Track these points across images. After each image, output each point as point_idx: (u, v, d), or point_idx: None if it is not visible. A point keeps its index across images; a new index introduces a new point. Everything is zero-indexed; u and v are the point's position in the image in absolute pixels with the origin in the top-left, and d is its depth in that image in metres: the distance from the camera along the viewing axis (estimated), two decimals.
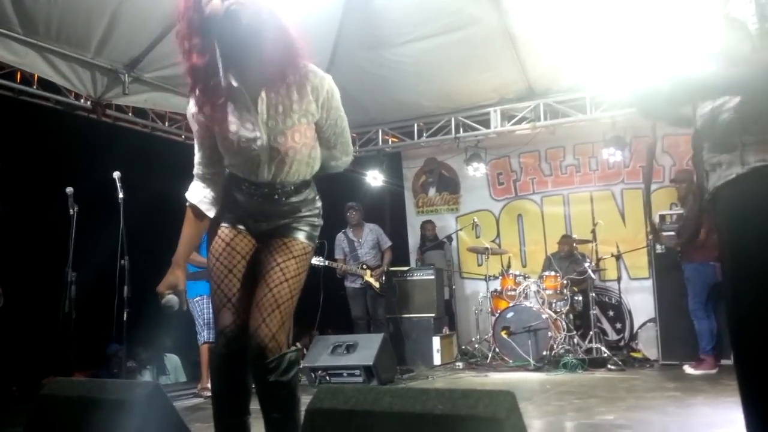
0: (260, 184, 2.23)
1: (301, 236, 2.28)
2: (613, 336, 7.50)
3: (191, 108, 2.21)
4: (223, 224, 2.29)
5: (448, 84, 7.05)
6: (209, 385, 5.34)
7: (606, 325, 7.52)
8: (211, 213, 2.30)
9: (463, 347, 7.64)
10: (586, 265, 6.87)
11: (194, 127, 2.26)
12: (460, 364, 6.95)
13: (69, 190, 4.82)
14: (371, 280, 7.02)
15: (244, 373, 2.21)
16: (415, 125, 7.92)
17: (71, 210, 4.81)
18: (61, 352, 4.94)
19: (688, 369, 5.77)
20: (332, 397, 1.79)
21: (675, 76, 1.60)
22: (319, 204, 2.37)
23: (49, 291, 5.26)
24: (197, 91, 2.14)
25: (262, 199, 2.25)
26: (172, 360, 7.03)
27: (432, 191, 9.04)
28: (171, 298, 2.22)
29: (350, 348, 5.66)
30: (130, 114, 6.40)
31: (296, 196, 2.27)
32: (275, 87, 2.11)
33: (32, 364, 6.10)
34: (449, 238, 8.46)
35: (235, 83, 2.09)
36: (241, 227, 2.30)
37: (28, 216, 5.86)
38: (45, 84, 5.54)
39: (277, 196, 2.25)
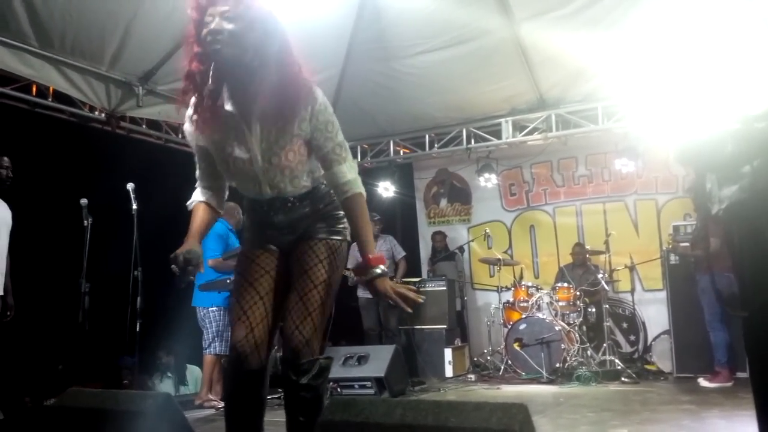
0: (268, 199, 2.24)
1: (325, 234, 2.27)
2: (626, 348, 7.43)
3: (187, 127, 2.23)
4: (250, 247, 2.32)
5: (459, 95, 7.07)
6: (211, 397, 5.37)
7: (620, 337, 7.45)
8: (217, 207, 2.35)
9: (475, 359, 7.60)
10: (600, 276, 6.82)
11: (192, 143, 2.29)
12: (472, 377, 6.91)
13: (83, 201, 4.86)
14: None
15: (257, 388, 2.20)
16: (427, 136, 7.93)
17: (85, 221, 4.85)
18: (74, 364, 4.96)
19: (702, 382, 5.70)
20: (344, 410, 1.78)
21: (738, 138, 1.61)
22: (334, 195, 2.29)
23: (63, 302, 5.29)
24: (192, 106, 2.16)
25: (277, 210, 2.26)
26: (194, 371, 7.05)
27: (443, 202, 9.03)
28: (192, 251, 2.11)
29: (362, 359, 5.65)
30: (143, 126, 6.45)
31: (308, 197, 2.27)
32: (269, 114, 2.12)
33: (46, 375, 6.13)
34: (461, 249, 8.44)
35: (228, 107, 2.11)
36: (270, 246, 2.30)
37: (42, 227, 5.91)
38: (60, 96, 5.61)
39: (290, 204, 2.25)
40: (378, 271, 2.14)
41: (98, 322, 4.99)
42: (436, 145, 7.95)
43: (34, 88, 5.50)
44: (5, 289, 4.52)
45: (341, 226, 2.31)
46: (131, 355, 5.35)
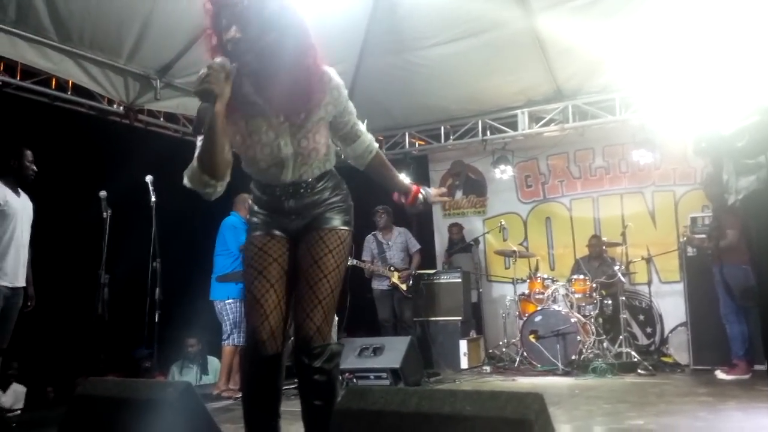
0: (283, 185, 2.27)
1: (335, 223, 2.31)
2: (643, 340, 7.39)
3: None
4: (257, 233, 2.33)
5: (474, 86, 7.04)
6: (231, 386, 5.44)
7: (636, 330, 7.41)
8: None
9: (491, 351, 7.60)
10: (616, 268, 6.79)
11: None
12: (487, 368, 6.91)
13: (102, 193, 4.92)
14: (399, 283, 7.04)
15: (274, 374, 2.24)
16: (442, 128, 7.92)
17: (104, 213, 4.91)
18: (93, 354, 5.03)
19: (720, 374, 5.66)
20: (360, 398, 1.81)
21: (755, 129, 1.62)
22: (344, 186, 2.41)
23: (82, 293, 5.36)
24: None
25: (289, 196, 2.29)
26: (213, 362, 7.14)
27: (459, 194, 9.02)
28: (207, 107, 1.99)
29: (377, 350, 5.68)
30: (161, 119, 6.51)
31: (321, 184, 2.31)
32: (294, 100, 2.15)
33: (66, 366, 6.23)
34: (476, 241, 8.43)
35: (252, 95, 2.14)
36: (276, 232, 2.32)
37: (62, 219, 5.98)
38: (79, 90, 5.68)
39: (302, 190, 2.29)
40: (422, 196, 2.55)
41: (117, 313, 5.05)
42: (451, 137, 7.94)
43: (54, 82, 5.58)
44: (27, 280, 4.59)
45: (348, 216, 2.37)
46: (148, 347, 5.43)
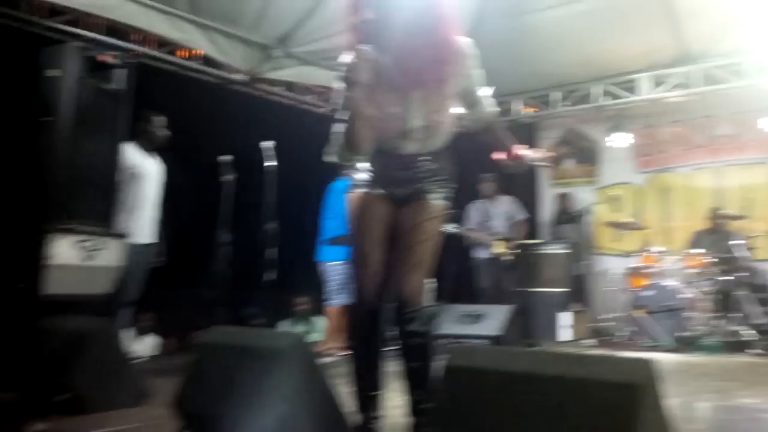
0: (402, 155, 2.36)
1: (437, 196, 2.41)
2: (761, 319, 6.95)
3: (340, 85, 2.34)
4: (366, 194, 2.45)
5: (591, 49, 6.76)
6: (333, 345, 5.66)
7: (753, 308, 6.98)
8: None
9: (595, 324, 7.44)
10: (737, 242, 6.40)
11: (341, 100, 2.39)
12: (591, 341, 6.79)
13: (224, 158, 5.23)
14: (502, 252, 7.00)
15: (375, 328, 2.38)
16: (554, 94, 7.69)
17: (226, 177, 5.22)
18: (211, 309, 5.39)
19: None
20: (468, 357, 1.87)
21: None
22: (452, 168, 2.49)
23: (204, 252, 5.73)
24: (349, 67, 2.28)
25: (400, 167, 2.39)
26: (320, 322, 7.47)
27: (568, 162, 8.77)
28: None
29: (478, 318, 5.72)
30: (280, 88, 6.77)
31: (432, 163, 2.39)
32: (428, 75, 2.25)
33: (188, 318, 6.72)
34: (585, 211, 8.20)
35: (385, 66, 2.24)
36: (383, 195, 2.44)
37: (189, 181, 6.40)
38: (204, 59, 6.02)
39: (414, 164, 2.37)
40: (522, 154, 2.61)
41: (234, 272, 5.38)
42: (563, 103, 7.70)
43: (182, 52, 5.94)
44: (158, 237, 5.01)
45: (449, 189, 2.47)
46: (258, 305, 5.74)
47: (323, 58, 6.11)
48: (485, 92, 2.51)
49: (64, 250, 4.07)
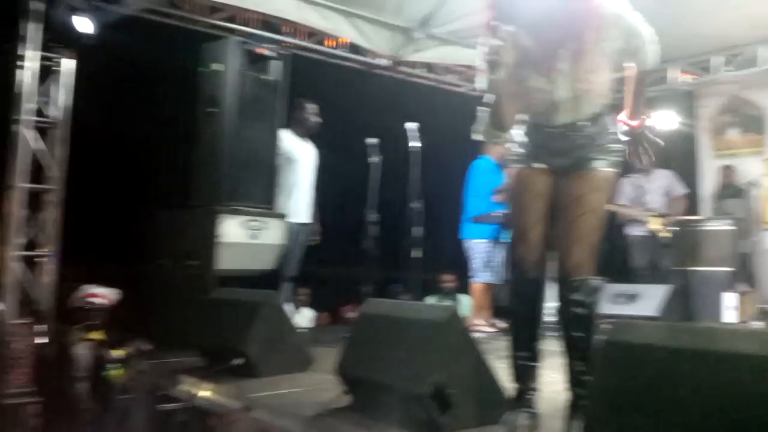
0: (555, 126, 2.34)
1: (600, 165, 2.35)
2: None
3: (482, 64, 2.38)
4: (520, 165, 2.46)
5: (758, 7, 6.15)
6: (477, 322, 5.69)
7: None
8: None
9: (763, 306, 6.84)
10: None
11: (483, 80, 2.43)
12: (759, 323, 6.27)
13: (371, 140, 5.42)
14: (658, 228, 6.63)
15: (535, 300, 2.41)
16: (716, 59, 7.09)
17: (373, 159, 5.40)
18: (358, 286, 5.62)
19: None
20: (630, 332, 1.84)
21: None
22: (616, 130, 2.42)
23: (353, 231, 5.98)
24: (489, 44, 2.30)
25: (558, 136, 2.36)
26: (465, 299, 7.57)
27: (732, 132, 8.07)
28: None
29: (633, 297, 5.50)
30: (421, 69, 6.87)
31: (592, 128, 2.34)
32: (567, 45, 2.21)
33: (339, 294, 7.07)
34: (752, 184, 7.52)
35: (527, 39, 2.24)
36: (539, 165, 2.43)
37: (337, 166, 6.70)
38: (351, 47, 6.24)
39: (572, 132, 2.34)
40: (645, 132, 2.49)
41: (381, 249, 5.57)
42: (726, 68, 7.09)
43: (329, 42, 6.20)
44: (313, 217, 5.33)
45: (616, 157, 2.37)
46: (405, 282, 5.89)
47: (463, 37, 6.10)
48: (648, 34, 2.40)
49: (233, 230, 4.48)
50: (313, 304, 7.15)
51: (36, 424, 4.16)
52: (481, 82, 2.30)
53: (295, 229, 5.05)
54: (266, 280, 4.62)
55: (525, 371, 2.42)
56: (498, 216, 5.47)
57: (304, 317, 6.75)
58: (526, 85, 2.31)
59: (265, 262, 4.71)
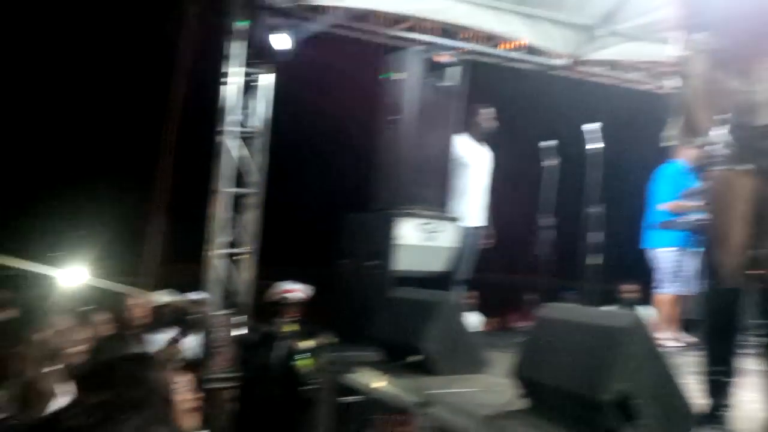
0: (756, 127, 2.19)
1: None
2: None
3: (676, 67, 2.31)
4: (723, 166, 2.31)
5: None
6: (663, 335, 5.29)
7: None
8: None
9: None
10: None
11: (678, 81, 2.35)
12: None
13: (546, 143, 5.30)
14: None
15: (734, 308, 2.25)
16: None
17: (548, 162, 5.29)
18: (528, 292, 5.51)
19: None
20: None
21: None
22: None
23: (526, 236, 5.89)
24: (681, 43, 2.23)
25: (762, 137, 2.20)
26: (646, 311, 7.12)
27: None
28: None
29: None
30: (602, 68, 6.59)
31: None
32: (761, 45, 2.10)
33: (508, 300, 6.97)
34: None
35: (721, 51, 2.13)
36: (746, 169, 2.27)
37: (512, 169, 6.64)
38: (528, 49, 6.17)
39: None
40: None
41: (556, 256, 5.42)
42: None
43: (504, 45, 6.19)
44: (487, 221, 5.35)
45: None
46: (579, 290, 5.65)
47: (651, 32, 5.75)
48: None
49: (409, 232, 4.64)
50: (480, 309, 7.14)
51: (234, 408, 4.62)
52: (673, 93, 2.26)
53: (469, 233, 5.10)
54: (438, 281, 4.71)
55: (718, 386, 2.27)
56: (688, 222, 5.08)
57: (473, 321, 6.77)
58: (722, 87, 2.19)
59: (439, 264, 4.82)
